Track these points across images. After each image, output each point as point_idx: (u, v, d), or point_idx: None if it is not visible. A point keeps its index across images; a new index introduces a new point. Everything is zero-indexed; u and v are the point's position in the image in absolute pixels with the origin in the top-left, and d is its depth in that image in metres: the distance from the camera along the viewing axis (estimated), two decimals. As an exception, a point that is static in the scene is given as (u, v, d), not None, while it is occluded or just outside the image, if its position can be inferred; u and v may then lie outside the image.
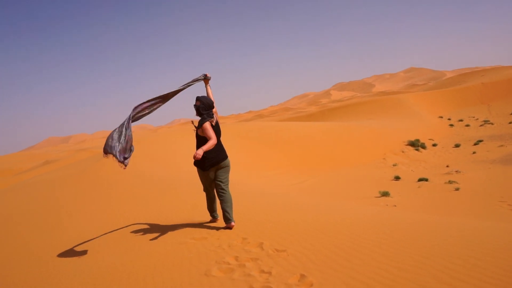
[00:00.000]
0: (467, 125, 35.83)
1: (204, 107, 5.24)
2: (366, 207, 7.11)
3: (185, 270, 4.12)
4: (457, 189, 14.36)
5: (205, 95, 5.68)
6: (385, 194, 13.76)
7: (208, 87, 5.78)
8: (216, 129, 5.31)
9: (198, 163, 5.29)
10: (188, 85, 5.62)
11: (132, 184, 11.03)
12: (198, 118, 5.32)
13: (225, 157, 5.41)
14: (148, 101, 5.45)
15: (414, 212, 8.04)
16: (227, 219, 5.31)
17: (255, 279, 3.59)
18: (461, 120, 38.79)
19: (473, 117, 40.84)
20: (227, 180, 5.43)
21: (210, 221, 5.83)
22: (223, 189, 5.33)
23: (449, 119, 40.81)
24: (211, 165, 5.26)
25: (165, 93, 5.53)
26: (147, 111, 5.45)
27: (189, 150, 5.74)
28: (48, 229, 7.57)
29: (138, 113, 5.40)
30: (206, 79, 5.73)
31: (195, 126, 5.39)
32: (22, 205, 10.99)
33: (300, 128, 25.38)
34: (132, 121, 5.37)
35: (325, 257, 3.87)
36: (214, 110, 5.46)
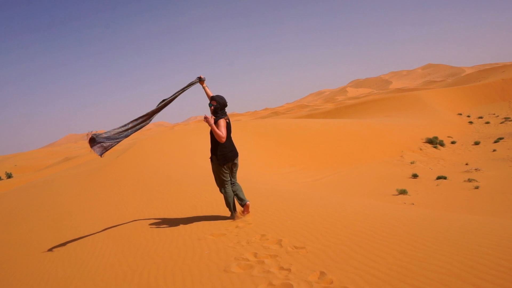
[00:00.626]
0: (487, 122, 35.13)
1: (219, 106, 5.55)
2: (385, 205, 7.03)
3: (204, 266, 4.14)
4: (476, 188, 14.10)
5: (207, 95, 5.97)
6: (402, 192, 13.61)
7: (206, 87, 6.04)
8: (228, 127, 5.62)
9: (220, 160, 5.53)
10: (184, 89, 5.92)
11: (151, 180, 11.15)
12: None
13: (237, 154, 5.76)
14: (143, 116, 5.86)
15: (432, 210, 7.92)
16: (242, 200, 5.74)
17: (274, 276, 3.59)
18: (481, 117, 38.07)
19: (494, 114, 40.01)
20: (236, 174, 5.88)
21: (229, 217, 5.85)
22: (234, 182, 5.80)
23: (468, 116, 40.09)
24: (228, 161, 5.57)
25: (162, 100, 5.93)
26: (145, 122, 5.87)
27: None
28: (66, 224, 7.71)
29: (137, 125, 5.83)
30: (201, 81, 6.00)
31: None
32: (46, 199, 11.23)
33: (316, 125, 25.25)
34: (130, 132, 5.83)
35: (345, 255, 3.84)
36: None
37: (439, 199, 13.11)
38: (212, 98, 5.61)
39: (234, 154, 5.64)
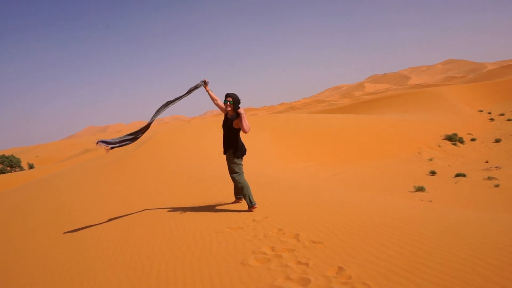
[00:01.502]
0: (509, 120, 34.35)
1: (236, 102, 5.88)
2: (402, 201, 6.96)
3: (221, 258, 4.17)
4: (496, 186, 13.85)
5: (210, 98, 6.39)
6: (420, 189, 13.46)
7: (209, 90, 6.34)
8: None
9: (237, 153, 5.90)
10: (189, 93, 6.26)
11: (167, 173, 11.27)
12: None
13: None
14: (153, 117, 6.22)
15: (451, 208, 7.81)
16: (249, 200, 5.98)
17: (292, 270, 3.59)
18: (502, 114, 37.22)
19: (516, 111, 39.07)
20: None
21: (247, 210, 5.93)
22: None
23: (489, 113, 39.25)
24: (243, 154, 5.99)
25: (167, 101, 6.35)
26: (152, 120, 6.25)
27: (221, 141, 6.08)
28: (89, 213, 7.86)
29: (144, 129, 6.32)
30: (205, 84, 6.29)
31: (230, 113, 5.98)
32: (62, 191, 11.46)
33: (333, 120, 25.08)
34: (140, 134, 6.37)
35: (363, 250, 3.82)
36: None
37: (457, 197, 12.92)
38: (227, 95, 5.87)
39: (245, 148, 6.05)
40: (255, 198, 6.37)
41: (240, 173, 5.90)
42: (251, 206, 5.88)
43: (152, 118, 6.20)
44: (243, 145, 5.98)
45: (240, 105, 5.92)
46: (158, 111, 6.24)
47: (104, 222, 6.87)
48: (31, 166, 46.83)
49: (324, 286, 3.21)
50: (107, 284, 4.08)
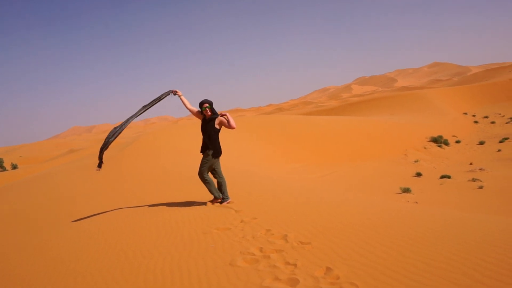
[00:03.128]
0: (493, 122, 34.97)
1: (212, 105, 6.38)
2: (389, 202, 7.03)
3: (209, 259, 4.16)
4: (480, 187, 14.07)
5: (183, 103, 6.76)
6: (406, 190, 13.61)
7: (183, 98, 6.71)
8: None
9: (215, 154, 6.40)
10: (156, 101, 6.58)
11: (154, 173, 11.19)
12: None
13: None
14: (121, 125, 6.55)
15: (436, 208, 7.92)
16: (225, 195, 6.56)
17: (280, 271, 3.60)
18: (486, 117, 37.90)
19: (499, 114, 39.80)
20: None
21: (219, 202, 6.55)
22: (221, 175, 6.62)
23: (473, 115, 39.91)
24: (220, 154, 6.48)
25: (136, 112, 6.58)
26: (118, 132, 6.50)
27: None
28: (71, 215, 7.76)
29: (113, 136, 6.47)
30: (177, 94, 6.62)
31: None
32: (49, 192, 11.29)
33: (321, 122, 25.21)
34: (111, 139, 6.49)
35: (351, 251, 3.84)
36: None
37: (442, 198, 13.09)
38: (203, 102, 6.31)
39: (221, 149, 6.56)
40: (246, 197, 6.69)
41: (208, 171, 6.44)
42: (216, 198, 6.51)
43: (121, 126, 6.49)
44: (220, 147, 6.47)
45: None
46: (126, 121, 6.55)
47: (88, 225, 6.79)
48: (14, 167, 45.99)
49: (313, 286, 3.22)
50: (93, 284, 4.03)
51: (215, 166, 6.50)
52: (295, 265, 3.68)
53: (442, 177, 16.34)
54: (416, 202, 12.10)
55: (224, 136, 18.13)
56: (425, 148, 23.97)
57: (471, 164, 20.11)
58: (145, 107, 6.54)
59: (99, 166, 6.65)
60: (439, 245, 3.76)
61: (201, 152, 6.49)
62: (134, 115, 6.49)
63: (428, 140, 25.54)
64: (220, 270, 3.83)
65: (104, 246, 5.30)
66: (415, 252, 3.64)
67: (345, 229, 4.57)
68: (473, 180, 15.30)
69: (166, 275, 3.94)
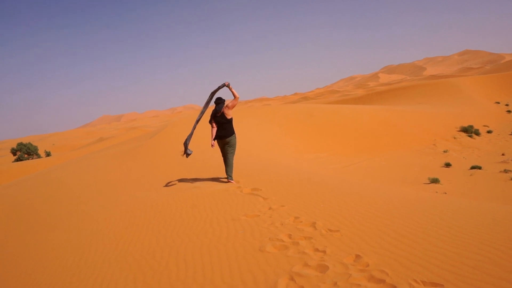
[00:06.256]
0: (527, 112, 33.66)
1: (220, 87, 7.35)
2: (418, 193, 6.95)
3: (239, 245, 4.25)
4: (513, 179, 13.67)
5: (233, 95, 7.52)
6: (434, 180, 13.36)
7: (232, 88, 7.35)
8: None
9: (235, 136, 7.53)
10: (214, 93, 7.41)
11: (181, 161, 11.37)
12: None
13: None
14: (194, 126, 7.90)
15: (467, 200, 7.78)
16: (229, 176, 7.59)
17: (309, 257, 3.66)
18: (520, 106, 36.49)
19: (534, 103, 38.27)
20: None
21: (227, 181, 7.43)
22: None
23: (506, 105, 38.52)
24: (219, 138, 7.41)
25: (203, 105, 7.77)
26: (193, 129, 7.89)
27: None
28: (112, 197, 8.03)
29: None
30: (228, 86, 7.32)
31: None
32: (83, 177, 11.68)
33: (346, 111, 24.91)
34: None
35: (380, 239, 3.86)
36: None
37: (472, 189, 12.80)
38: (218, 99, 7.45)
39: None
40: (275, 187, 6.85)
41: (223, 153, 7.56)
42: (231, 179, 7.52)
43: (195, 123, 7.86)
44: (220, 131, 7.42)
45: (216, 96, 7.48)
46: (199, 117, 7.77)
47: (121, 210, 7.00)
48: (48, 154, 47.56)
49: (342, 273, 3.27)
50: (127, 267, 4.20)
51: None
52: (324, 252, 3.74)
53: (472, 167, 15.92)
54: (445, 193, 11.88)
55: (248, 125, 18.15)
56: (454, 138, 23.37)
57: (503, 155, 19.49)
58: (207, 102, 7.56)
59: (186, 154, 7.76)
60: (471, 236, 3.72)
61: (225, 138, 7.40)
62: (203, 109, 7.72)
63: (458, 130, 24.85)
64: (250, 256, 3.92)
65: (136, 231, 5.48)
66: (447, 242, 3.62)
67: (373, 217, 4.57)
68: (505, 171, 14.85)
69: (197, 260, 4.06)
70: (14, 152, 43.88)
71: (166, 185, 8.38)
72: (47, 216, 7.84)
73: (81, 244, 5.43)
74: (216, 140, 7.47)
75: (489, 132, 25.77)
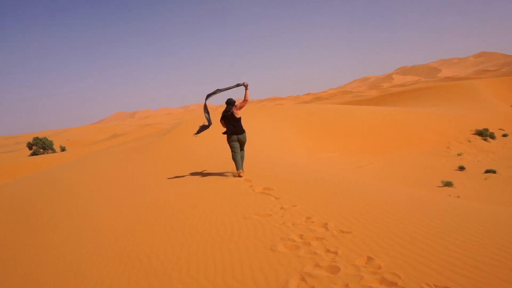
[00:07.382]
0: (544, 116, 33.02)
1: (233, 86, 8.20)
2: (432, 195, 6.89)
3: (250, 244, 4.26)
4: (529, 183, 13.44)
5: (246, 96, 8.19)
6: (448, 184, 13.22)
7: (247, 91, 8.12)
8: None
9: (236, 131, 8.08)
10: (229, 88, 8.14)
11: (193, 158, 11.45)
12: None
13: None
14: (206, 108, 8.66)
15: (482, 204, 7.68)
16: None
17: (321, 258, 3.65)
18: (537, 110, 35.80)
19: (552, 107, 37.51)
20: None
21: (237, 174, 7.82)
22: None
23: (523, 108, 37.81)
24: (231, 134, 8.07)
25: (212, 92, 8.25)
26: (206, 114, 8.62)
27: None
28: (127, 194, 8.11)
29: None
30: (246, 87, 8.09)
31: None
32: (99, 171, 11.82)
33: (359, 112, 24.76)
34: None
35: (392, 241, 3.84)
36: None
37: (486, 193, 12.62)
38: (229, 100, 8.14)
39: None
40: (287, 186, 6.83)
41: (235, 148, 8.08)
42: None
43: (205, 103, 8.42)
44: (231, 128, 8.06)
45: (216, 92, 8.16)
46: (207, 97, 8.13)
47: (132, 207, 7.07)
48: (63, 149, 48.27)
49: (354, 274, 3.26)
50: (138, 263, 4.24)
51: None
52: (336, 253, 3.73)
53: (487, 171, 15.70)
54: (458, 197, 11.75)
55: (260, 124, 18.10)
56: (469, 141, 23.05)
57: (518, 159, 19.18)
58: (220, 90, 8.14)
59: (198, 132, 8.61)
60: (484, 240, 3.68)
61: (239, 134, 8.04)
62: (210, 94, 8.15)
63: (473, 133, 24.50)
64: (262, 255, 3.93)
65: (147, 229, 5.53)
66: (461, 246, 3.58)
67: (384, 219, 4.55)
68: (521, 175, 14.62)
69: (208, 257, 4.09)
70: (30, 146, 44.62)
71: (175, 182, 8.43)
72: (48, 216, 7.92)
73: (81, 244, 5.50)
74: (226, 135, 8.08)
75: (504, 135, 25.35)
